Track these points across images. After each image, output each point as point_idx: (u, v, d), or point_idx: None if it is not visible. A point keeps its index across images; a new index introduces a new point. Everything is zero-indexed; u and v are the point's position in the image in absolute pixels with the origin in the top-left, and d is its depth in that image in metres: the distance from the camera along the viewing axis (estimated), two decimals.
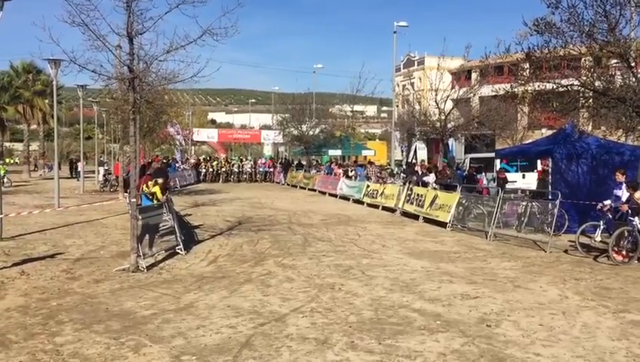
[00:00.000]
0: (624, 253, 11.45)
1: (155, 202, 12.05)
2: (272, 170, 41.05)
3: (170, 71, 10.77)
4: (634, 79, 12.61)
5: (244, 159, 45.80)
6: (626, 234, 11.43)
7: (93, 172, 38.35)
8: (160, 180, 12.29)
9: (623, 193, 12.11)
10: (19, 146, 69.43)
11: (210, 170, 40.20)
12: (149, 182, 12.48)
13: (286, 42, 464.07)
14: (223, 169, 40.49)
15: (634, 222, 11.43)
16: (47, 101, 41.73)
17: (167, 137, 41.73)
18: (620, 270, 10.75)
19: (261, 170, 41.43)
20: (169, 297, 8.38)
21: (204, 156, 52.01)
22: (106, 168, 31.05)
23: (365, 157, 44.59)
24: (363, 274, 10.11)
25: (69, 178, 39.17)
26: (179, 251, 11.78)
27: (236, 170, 40.88)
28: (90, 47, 9.67)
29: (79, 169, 29.44)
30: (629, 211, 11.51)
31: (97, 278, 9.58)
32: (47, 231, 14.80)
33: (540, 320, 7.35)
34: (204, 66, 10.48)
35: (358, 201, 23.75)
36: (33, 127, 48.19)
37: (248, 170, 40.97)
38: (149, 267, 10.34)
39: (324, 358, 5.94)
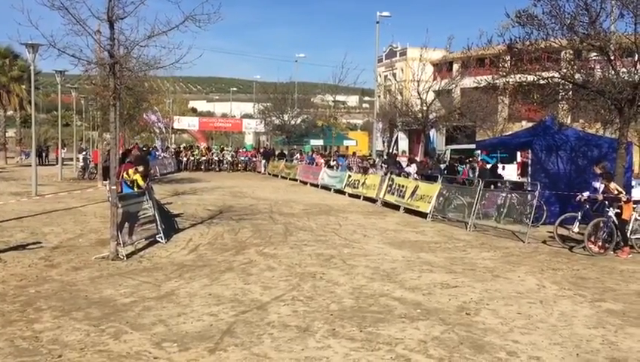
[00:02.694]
0: (600, 243, 11.66)
1: (136, 190, 11.95)
2: (254, 159, 40.44)
3: (151, 57, 10.65)
4: (613, 72, 12.77)
5: (224, 148, 45.12)
6: (602, 225, 11.63)
7: (71, 159, 37.88)
8: (141, 168, 12.18)
9: (600, 185, 12.30)
10: None
11: (192, 158, 39.59)
12: (130, 170, 12.36)
13: (268, 30, 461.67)
14: (204, 158, 39.77)
15: (609, 213, 11.63)
16: (24, 87, 41.02)
17: (147, 125, 41.32)
18: (596, 260, 10.94)
19: (242, 158, 40.76)
20: (149, 285, 8.34)
21: (184, 144, 51.49)
22: (85, 154, 30.57)
23: (347, 147, 44.61)
24: (344, 263, 10.16)
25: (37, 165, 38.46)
26: (159, 239, 11.70)
27: (216, 158, 40.12)
28: (70, 31, 9.52)
29: (62, 154, 29.10)
30: (606, 202, 11.71)
31: (76, 266, 9.48)
32: (24, 218, 14.60)
33: (518, 309, 7.46)
34: (186, 53, 10.36)
35: (340, 191, 23.78)
36: (10, 113, 47.35)
37: (229, 159, 40.31)
38: (129, 255, 10.27)
39: (305, 345, 5.97)
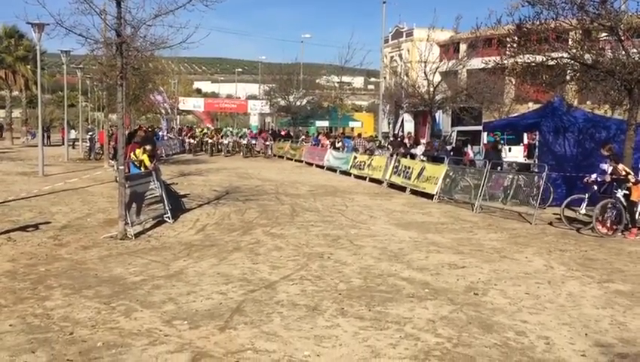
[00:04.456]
0: (608, 225, 11.64)
1: (144, 170, 11.98)
2: (267, 143, 35.11)
3: (158, 36, 10.61)
4: (623, 53, 12.63)
5: (239, 130, 40.64)
6: (610, 206, 11.61)
7: (77, 140, 37.92)
8: (148, 146, 12.21)
9: (608, 167, 12.25)
10: (1, 113, 68.37)
11: (193, 141, 36.29)
12: (137, 150, 12.39)
13: (274, 10, 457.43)
14: (210, 141, 35.63)
15: (617, 195, 11.59)
16: (29, 67, 40.96)
17: (152, 105, 41.21)
18: (604, 242, 10.93)
19: (254, 141, 35.58)
20: (158, 264, 8.38)
21: (187, 125, 51.06)
22: (91, 135, 30.57)
23: (352, 129, 44.44)
24: (351, 243, 10.17)
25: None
26: (167, 219, 11.75)
27: (226, 141, 35.50)
28: (76, 10, 9.48)
29: (72, 135, 29.11)
30: (614, 184, 11.67)
31: (85, 245, 9.54)
32: (32, 198, 14.66)
33: (526, 289, 7.47)
34: (193, 32, 10.32)
35: (345, 173, 23.76)
36: (15, 93, 47.34)
37: (243, 142, 34.84)
38: (137, 235, 10.32)
39: (314, 324, 6.00)
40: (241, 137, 36.27)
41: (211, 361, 5.05)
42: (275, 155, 35.32)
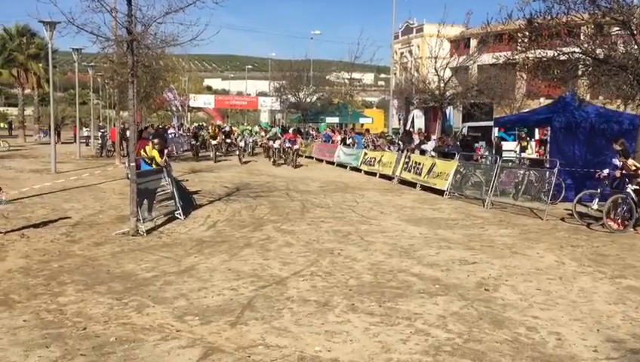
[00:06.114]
0: (619, 220, 11.56)
1: (155, 166, 12.05)
2: (295, 146, 26.19)
3: (168, 34, 10.66)
4: (636, 47, 12.52)
5: (264, 131, 33.71)
6: (620, 201, 11.52)
7: (88, 137, 38.19)
8: (156, 140, 12.31)
9: (619, 162, 12.16)
10: (14, 111, 68.93)
11: (195, 142, 30.31)
12: (147, 147, 12.46)
13: (284, 7, 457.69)
14: (214, 143, 28.23)
15: (627, 190, 11.50)
16: (41, 65, 41.26)
17: (163, 103, 41.35)
18: (616, 237, 10.86)
19: (288, 144, 26.30)
20: (170, 260, 8.44)
21: (195, 124, 50.83)
22: (103, 132, 30.76)
23: (362, 125, 44.39)
24: (362, 239, 10.18)
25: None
26: (178, 216, 11.82)
27: (242, 143, 28.12)
28: (87, 8, 9.53)
29: (85, 133, 29.25)
30: (627, 179, 11.58)
31: (97, 241, 9.62)
32: (44, 195, 14.78)
33: (537, 285, 7.44)
34: (203, 29, 10.34)
35: (356, 169, 23.75)
36: (27, 91, 47.71)
37: (275, 145, 27.21)
38: (149, 231, 10.39)
39: (325, 319, 6.02)
40: (270, 139, 28.45)
41: (223, 356, 5.08)
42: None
